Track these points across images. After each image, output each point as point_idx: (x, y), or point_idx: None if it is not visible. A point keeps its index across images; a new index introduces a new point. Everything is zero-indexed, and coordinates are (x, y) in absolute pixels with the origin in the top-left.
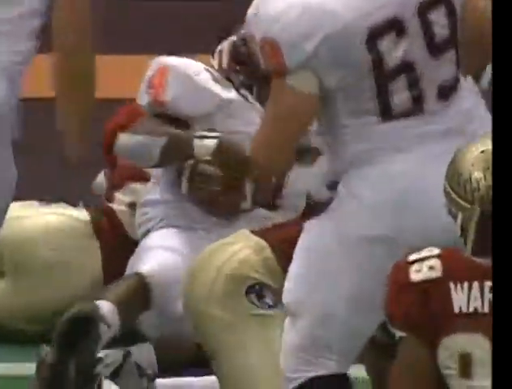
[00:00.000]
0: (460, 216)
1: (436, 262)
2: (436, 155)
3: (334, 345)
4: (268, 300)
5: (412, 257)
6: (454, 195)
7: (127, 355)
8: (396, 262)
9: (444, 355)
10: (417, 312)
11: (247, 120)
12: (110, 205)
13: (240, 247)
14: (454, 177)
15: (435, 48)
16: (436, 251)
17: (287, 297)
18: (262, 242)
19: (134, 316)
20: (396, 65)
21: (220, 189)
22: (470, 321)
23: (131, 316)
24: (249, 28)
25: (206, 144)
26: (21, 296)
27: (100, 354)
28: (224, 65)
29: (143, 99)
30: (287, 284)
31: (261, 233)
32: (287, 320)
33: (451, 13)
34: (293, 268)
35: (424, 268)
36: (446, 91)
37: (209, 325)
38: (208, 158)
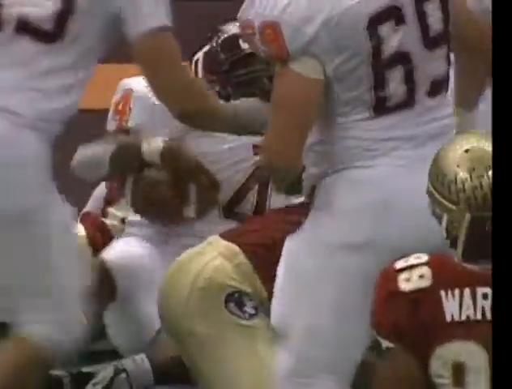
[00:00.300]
0: (445, 218)
1: (426, 271)
2: (422, 160)
3: (327, 362)
4: (248, 309)
5: (400, 264)
6: (437, 196)
7: (118, 372)
8: (383, 270)
9: (436, 364)
10: (407, 322)
11: (221, 137)
12: (104, 220)
13: (212, 256)
14: (438, 177)
15: (429, 41)
16: (425, 258)
17: (274, 319)
18: (235, 247)
19: (101, 307)
20: (394, 53)
21: (167, 195)
22: (462, 329)
23: (98, 307)
24: (247, 16)
25: (153, 147)
26: None
27: (90, 370)
28: (200, 76)
29: (111, 125)
30: (273, 306)
31: (232, 238)
32: (279, 344)
33: (444, 7)
34: (277, 288)
35: (414, 277)
36: (438, 88)
37: (190, 341)
38: (155, 162)
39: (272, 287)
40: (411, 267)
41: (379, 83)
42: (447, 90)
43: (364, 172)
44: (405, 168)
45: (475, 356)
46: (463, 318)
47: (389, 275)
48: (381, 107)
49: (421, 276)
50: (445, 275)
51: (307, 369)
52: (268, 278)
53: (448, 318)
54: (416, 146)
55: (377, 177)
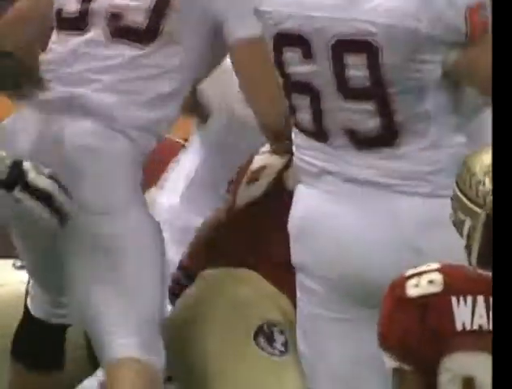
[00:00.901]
0: (468, 223)
1: (436, 276)
2: (351, 194)
3: None
4: (278, 345)
5: (410, 271)
6: (463, 198)
7: None
8: (393, 280)
9: (445, 377)
10: (415, 331)
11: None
12: None
13: (230, 286)
14: (466, 178)
15: (348, 91)
16: (436, 265)
17: None
18: (248, 271)
19: None
20: (298, 82)
21: None
22: (474, 339)
23: None
24: None
25: None
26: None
27: None
28: None
29: None
30: None
31: (239, 262)
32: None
33: (375, 66)
34: None
35: (423, 282)
36: (358, 141)
37: (219, 380)
38: None
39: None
40: (421, 273)
41: (289, 101)
42: (384, 146)
43: (299, 191)
44: (332, 196)
45: (487, 369)
46: (475, 327)
47: (397, 283)
48: (296, 124)
49: (431, 282)
50: (457, 281)
51: None
52: (291, 295)
53: (459, 327)
54: (345, 180)
55: (302, 198)
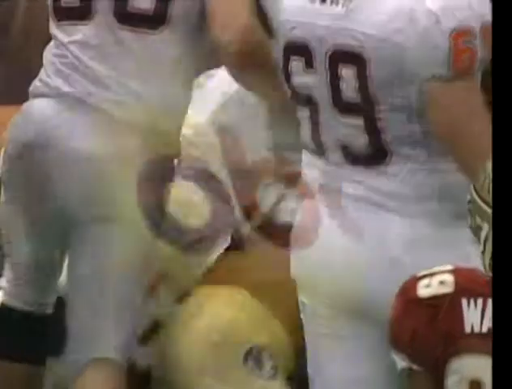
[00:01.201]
0: (486, 228)
1: (448, 277)
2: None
3: None
4: (268, 368)
5: (423, 272)
6: (481, 203)
7: None
8: (405, 281)
9: (452, 380)
10: (425, 332)
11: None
12: None
13: (218, 307)
14: (485, 183)
15: (342, 105)
16: (449, 267)
17: None
18: (240, 291)
19: None
20: (300, 93)
21: None
22: (482, 342)
23: None
24: None
25: None
26: None
27: None
28: None
29: None
30: None
31: (230, 279)
32: None
33: (363, 79)
34: None
35: (434, 283)
36: (352, 156)
37: None
38: None
39: (289, 324)
40: (433, 273)
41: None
42: (375, 164)
43: (303, 203)
44: (328, 210)
45: None
46: (484, 330)
47: (409, 284)
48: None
49: (442, 282)
50: (468, 283)
51: None
52: (283, 315)
53: (468, 329)
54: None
55: (303, 210)
